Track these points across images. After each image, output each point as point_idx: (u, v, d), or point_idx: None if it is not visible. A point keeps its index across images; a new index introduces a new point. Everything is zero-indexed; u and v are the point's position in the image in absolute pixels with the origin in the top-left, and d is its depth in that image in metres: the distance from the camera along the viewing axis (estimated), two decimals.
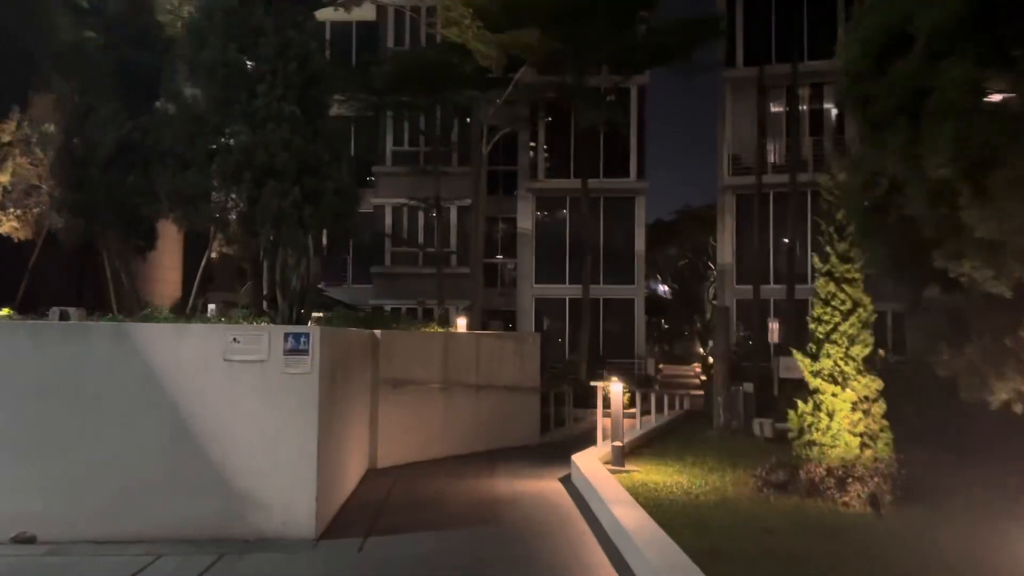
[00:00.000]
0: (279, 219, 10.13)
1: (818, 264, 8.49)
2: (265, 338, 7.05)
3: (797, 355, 8.49)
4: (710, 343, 59.92)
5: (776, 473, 8.22)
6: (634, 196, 28.27)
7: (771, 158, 26.86)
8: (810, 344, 8.53)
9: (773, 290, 26.02)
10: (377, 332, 10.54)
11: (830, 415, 8.09)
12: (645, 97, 28.23)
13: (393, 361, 10.79)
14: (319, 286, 26.70)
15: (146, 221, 13.22)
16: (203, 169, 11.01)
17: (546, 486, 9.43)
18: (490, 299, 28.65)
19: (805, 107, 27.19)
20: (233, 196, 10.88)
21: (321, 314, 10.93)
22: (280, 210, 10.09)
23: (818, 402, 8.19)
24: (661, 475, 9.16)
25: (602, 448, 10.45)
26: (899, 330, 24.43)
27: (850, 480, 7.70)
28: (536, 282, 28.26)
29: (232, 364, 7.01)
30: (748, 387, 21.19)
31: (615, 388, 9.58)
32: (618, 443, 9.46)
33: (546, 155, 28.30)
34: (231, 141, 10.91)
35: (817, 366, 8.26)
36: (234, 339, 7.05)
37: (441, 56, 20.10)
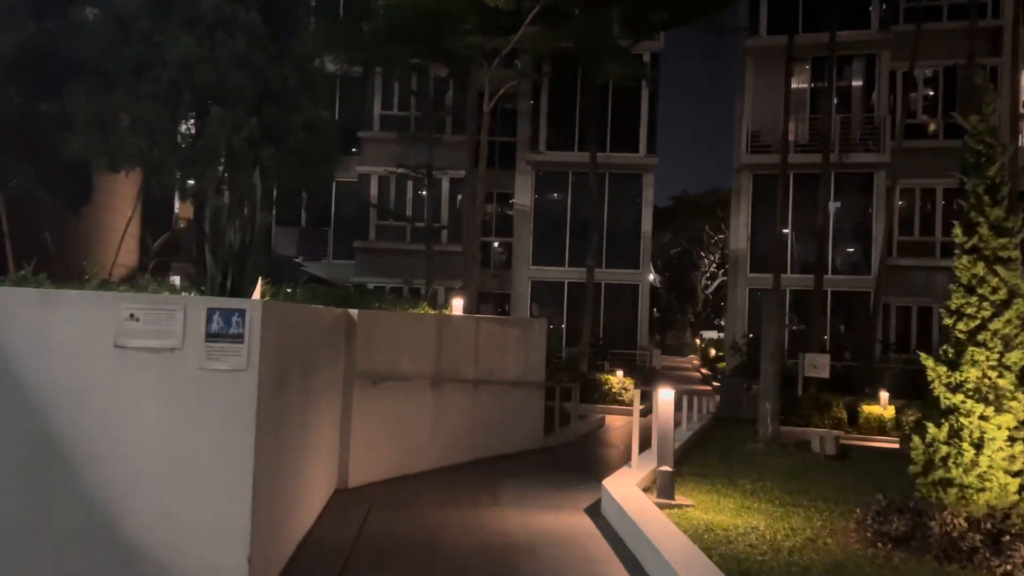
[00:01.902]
0: (229, 160, 7.74)
1: (958, 236, 6.23)
2: (178, 315, 4.70)
3: (928, 362, 6.24)
4: (712, 334, 57.99)
5: (892, 521, 5.99)
6: (642, 173, 25.95)
7: (791, 136, 24.63)
8: (944, 347, 6.27)
9: (791, 279, 23.87)
10: (353, 312, 8.20)
11: (977, 445, 5.86)
12: (658, 66, 25.84)
13: (373, 350, 8.46)
14: (295, 259, 24.30)
15: (78, 166, 10.57)
16: (130, 89, 8.51)
17: (570, 521, 7.16)
18: (482, 281, 26.32)
19: (831, 85, 24.96)
20: (169, 126, 8.38)
21: (277, 287, 8.55)
22: (230, 147, 7.63)
23: (958, 427, 5.95)
24: (725, 513, 6.90)
25: (638, 469, 8.18)
26: None
27: (1007, 538, 5.49)
28: (533, 264, 25.93)
29: (127, 353, 4.67)
30: None
31: (664, 396, 7.30)
32: (667, 468, 7.20)
33: (548, 126, 25.87)
34: (166, 53, 8.38)
35: (956, 376, 6.01)
36: (130, 315, 4.69)
37: (440, 4, 17.63)
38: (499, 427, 11.48)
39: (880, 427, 17.86)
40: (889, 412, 17.80)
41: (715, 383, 29.74)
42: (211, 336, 4.69)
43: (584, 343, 21.83)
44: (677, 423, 12.13)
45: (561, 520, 7.18)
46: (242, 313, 4.71)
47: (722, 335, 61.85)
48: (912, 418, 17.67)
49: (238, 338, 4.69)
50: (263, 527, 4.94)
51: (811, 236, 24.85)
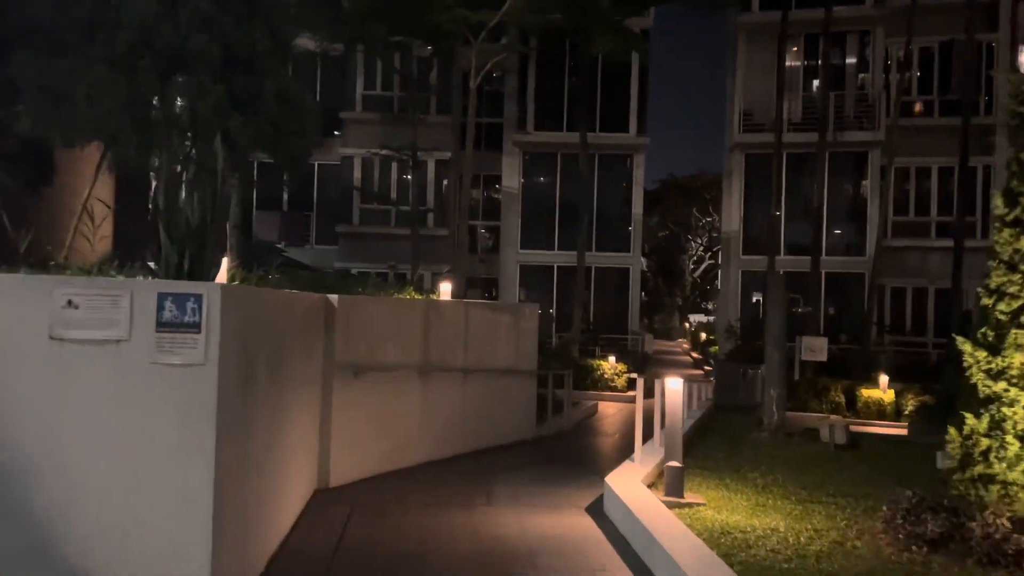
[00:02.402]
0: (193, 131, 7.08)
1: (999, 207, 5.65)
2: (124, 302, 4.05)
3: (965, 346, 5.68)
4: (699, 318, 57.60)
5: (926, 522, 5.45)
6: (632, 154, 25.36)
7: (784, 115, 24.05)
8: (983, 330, 5.71)
9: (784, 261, 23.35)
10: (332, 298, 7.56)
11: (1022, 438, 5.33)
12: (648, 42, 25.16)
13: (355, 338, 7.83)
14: (277, 245, 23.56)
15: (36, 143, 9.75)
16: (83, 54, 7.76)
17: (571, 523, 6.58)
18: (469, 265, 25.68)
19: (823, 61, 24.38)
20: (126, 94, 7.64)
21: (252, 271, 7.89)
22: (194, 116, 6.94)
23: (1000, 417, 5.41)
24: (739, 512, 6.35)
25: (642, 464, 7.61)
26: None
27: None
28: (522, 247, 25.31)
29: (65, 346, 4.02)
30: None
31: (672, 384, 6.72)
32: (676, 464, 6.62)
33: (536, 106, 25.16)
34: (122, 13, 7.64)
35: (998, 362, 5.46)
36: (68, 302, 4.04)
37: None
38: (490, 418, 10.90)
39: (880, 411, 17.41)
40: (889, 396, 17.35)
41: (707, 367, 29.31)
42: (163, 325, 4.05)
43: (575, 329, 21.28)
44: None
45: (561, 522, 6.61)
46: (198, 299, 4.07)
47: (711, 319, 61.67)
48: (912, 402, 17.28)
49: (194, 327, 4.06)
50: (228, 540, 4.33)
51: (804, 217, 24.35)
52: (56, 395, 4.01)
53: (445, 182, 24.51)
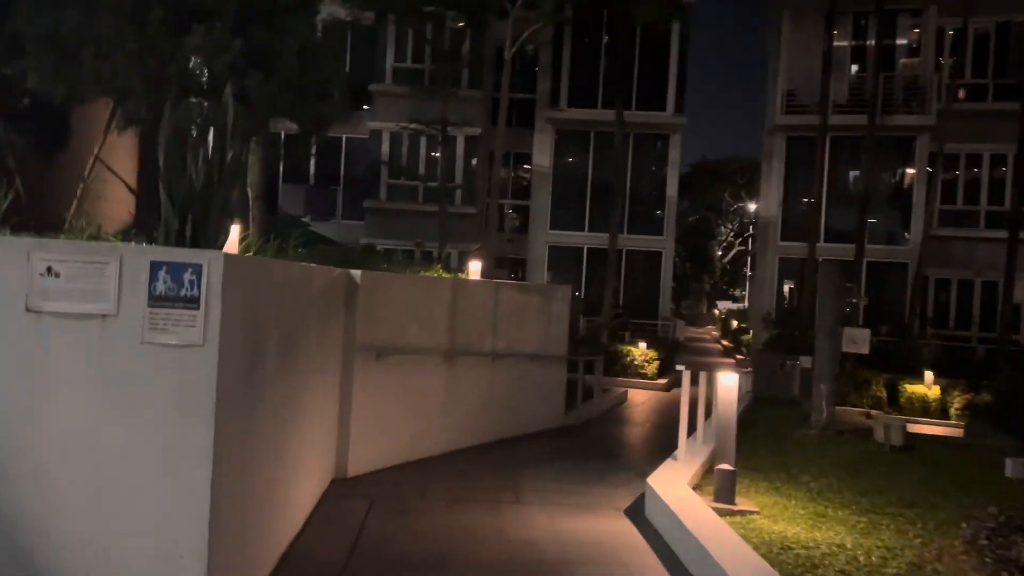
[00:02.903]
0: (209, 89, 6.53)
1: None
2: (111, 270, 3.50)
3: None
4: (727, 304, 56.62)
5: (1016, 544, 4.80)
6: (669, 133, 24.51)
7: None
8: None
9: (823, 249, 22.45)
10: (355, 274, 7.00)
11: None
12: (689, 16, 24.22)
13: (378, 318, 7.28)
14: (302, 219, 23.10)
15: (51, 103, 9.23)
16: (91, 5, 7.22)
17: (609, 528, 6.00)
18: (497, 245, 25.08)
19: (872, 41, 23.36)
20: (136, 47, 7.10)
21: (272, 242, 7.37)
22: (211, 73, 6.39)
23: None
24: (798, 523, 5.72)
25: (686, 463, 6.99)
26: None
27: None
28: (551, 228, 24.64)
29: (43, 320, 3.49)
30: (806, 361, 17.82)
31: (726, 380, 6.09)
32: (728, 467, 6.01)
33: (569, 82, 24.37)
34: None
35: None
36: (47, 269, 3.50)
37: None
38: (518, 405, 10.34)
39: (924, 408, 16.62)
40: (934, 392, 16.55)
41: (738, 356, 28.55)
42: (156, 299, 3.50)
43: (605, 313, 20.63)
44: (708, 402, 10.55)
45: (599, 525, 6.03)
46: (198, 269, 3.51)
47: (739, 306, 60.65)
48: (958, 399, 16.47)
49: (192, 302, 3.50)
50: (228, 547, 3.79)
51: (846, 203, 23.47)
52: (30, 378, 3.47)
53: (474, 161, 23.87)
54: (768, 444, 9.05)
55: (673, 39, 23.72)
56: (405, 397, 7.81)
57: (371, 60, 24.05)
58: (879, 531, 5.62)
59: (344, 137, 25.05)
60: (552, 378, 11.51)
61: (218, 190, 4.24)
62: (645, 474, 7.80)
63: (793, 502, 6.43)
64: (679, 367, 7.00)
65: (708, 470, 7.18)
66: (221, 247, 4.33)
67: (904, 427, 8.81)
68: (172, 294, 3.48)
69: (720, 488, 6.00)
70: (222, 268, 3.51)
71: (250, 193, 13.14)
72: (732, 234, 61.77)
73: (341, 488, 6.60)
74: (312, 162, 25.34)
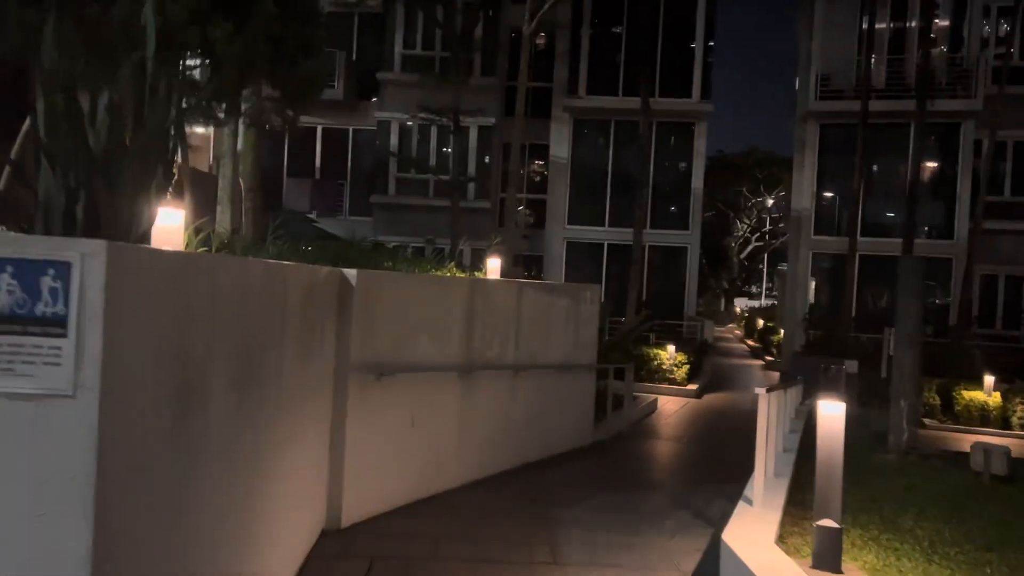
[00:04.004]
0: (164, 43, 5.22)
1: None
2: None
3: None
4: (746, 302, 55.08)
5: None
6: (694, 122, 23.04)
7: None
8: None
9: (864, 244, 20.96)
10: (350, 274, 5.63)
11: None
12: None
13: (379, 329, 5.92)
14: (308, 215, 21.82)
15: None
16: None
17: None
18: (514, 241, 23.71)
19: (914, 23, 21.86)
20: None
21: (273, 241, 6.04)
22: (166, 23, 5.02)
23: None
24: None
25: (764, 508, 5.57)
26: None
27: None
28: (569, 223, 23.24)
29: None
30: (852, 366, 16.41)
31: (828, 409, 4.69)
32: (833, 524, 4.61)
33: (588, 67, 22.94)
34: None
35: None
36: None
37: None
38: (543, 423, 8.99)
39: (983, 417, 15.17)
40: (995, 399, 15.09)
41: (767, 357, 27.08)
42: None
43: (630, 315, 19.24)
44: (745, 413, 8.76)
45: None
46: (64, 271, 2.16)
47: (758, 303, 58.94)
48: (1022, 407, 15.01)
49: (55, 324, 2.15)
50: None
51: (885, 194, 22.00)
52: None
53: (487, 159, 22.49)
54: (844, 472, 7.62)
55: (699, 20, 22.28)
56: (414, 423, 6.46)
57: (379, 48, 22.76)
58: None
59: (351, 129, 23.79)
60: (581, 390, 10.15)
61: (135, 154, 2.90)
62: (703, 514, 6.43)
63: (904, 560, 5.05)
64: (758, 390, 5.59)
65: (787, 512, 5.80)
66: (139, 238, 2.99)
67: (1009, 453, 7.37)
68: (21, 312, 2.13)
69: (822, 551, 4.62)
70: (104, 269, 2.16)
71: (243, 184, 11.84)
72: (749, 230, 60.35)
73: (333, 544, 5.25)
74: (318, 155, 24.09)
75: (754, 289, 68.97)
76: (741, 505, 5.65)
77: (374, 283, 5.89)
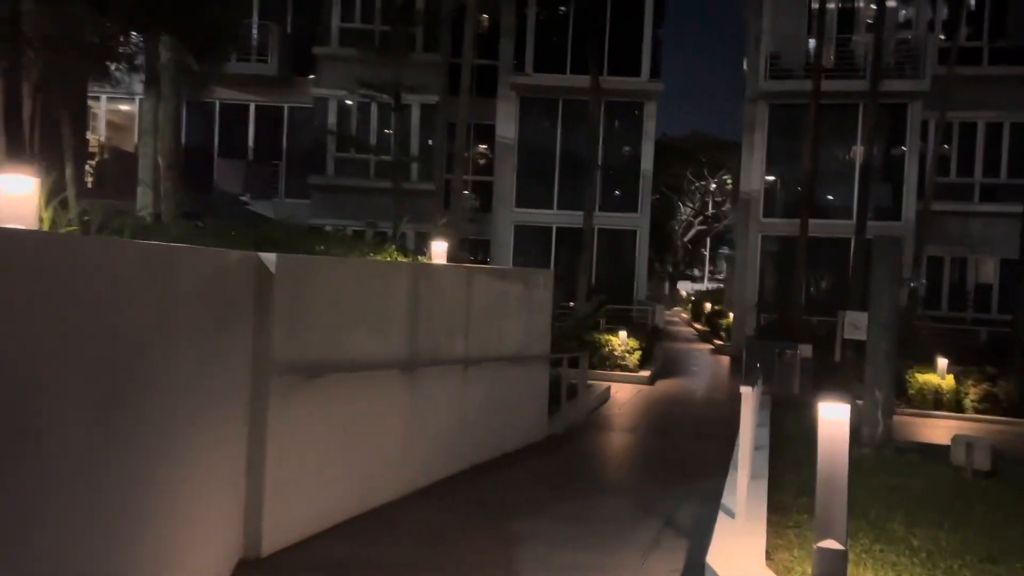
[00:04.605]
0: None
1: None
2: None
3: None
4: (689, 286, 55.23)
5: None
6: (643, 101, 22.47)
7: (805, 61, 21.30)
8: None
9: (814, 226, 20.68)
10: (268, 259, 4.78)
11: None
12: None
13: (307, 322, 5.09)
14: (241, 197, 20.60)
15: None
16: None
17: None
18: (460, 224, 22.83)
19: (864, 2, 21.64)
20: None
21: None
22: None
23: None
24: None
25: (748, 521, 4.94)
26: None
27: None
28: (517, 206, 22.49)
29: None
30: (806, 350, 16.09)
31: (830, 412, 4.05)
32: (835, 545, 3.99)
33: (535, 44, 22.14)
34: None
35: None
36: None
37: None
38: (496, 421, 8.27)
39: (937, 400, 15.01)
40: (948, 382, 14.92)
41: (716, 341, 26.86)
42: None
43: (582, 300, 18.65)
44: (715, 402, 8.05)
45: None
46: None
47: (702, 286, 59.23)
48: (974, 390, 14.88)
49: None
50: None
51: (835, 176, 21.78)
52: None
53: (430, 140, 21.56)
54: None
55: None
56: (350, 429, 5.65)
57: (315, 21, 21.60)
58: None
59: (286, 107, 22.62)
60: (535, 382, 9.47)
61: None
62: (674, 521, 5.81)
63: (898, 571, 4.47)
64: (742, 389, 4.94)
65: (768, 521, 5.20)
66: None
67: (992, 447, 6.92)
68: None
69: (821, 572, 3.99)
70: None
71: (161, 162, 10.78)
72: (693, 213, 60.68)
73: None
74: (251, 134, 22.84)
75: (697, 272, 69.46)
76: (722, 518, 5.01)
77: (300, 270, 5.05)
